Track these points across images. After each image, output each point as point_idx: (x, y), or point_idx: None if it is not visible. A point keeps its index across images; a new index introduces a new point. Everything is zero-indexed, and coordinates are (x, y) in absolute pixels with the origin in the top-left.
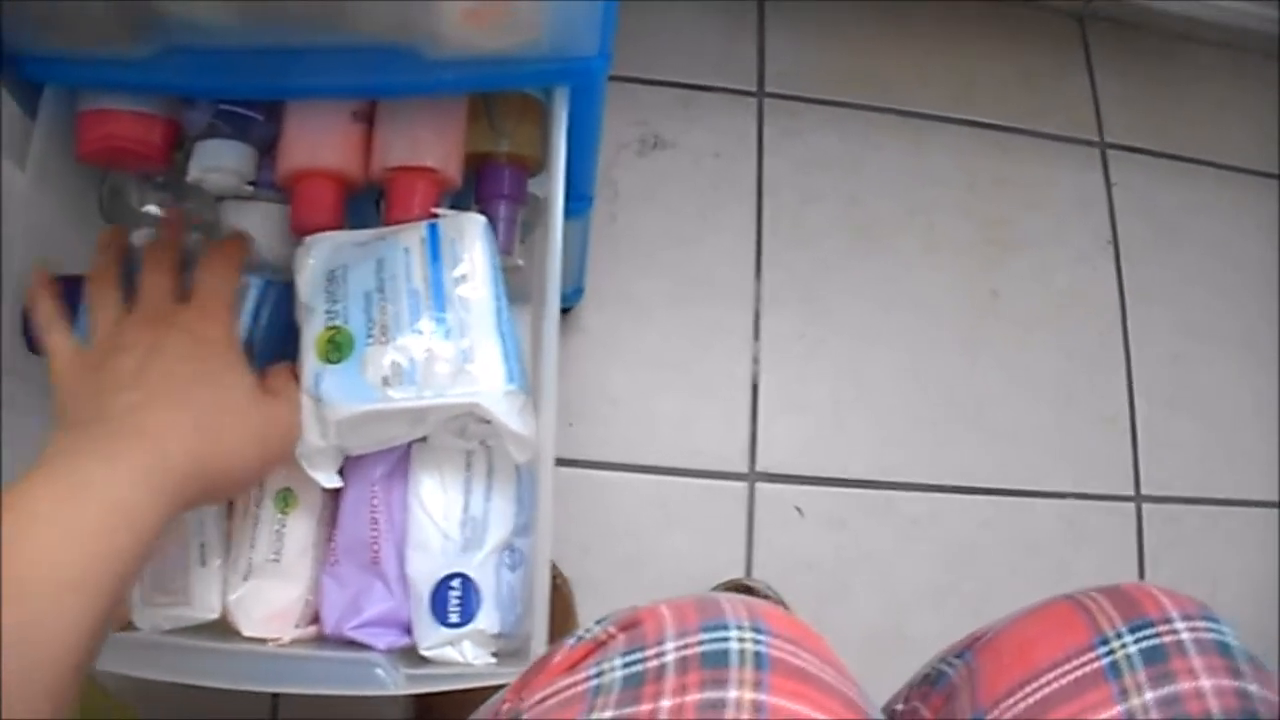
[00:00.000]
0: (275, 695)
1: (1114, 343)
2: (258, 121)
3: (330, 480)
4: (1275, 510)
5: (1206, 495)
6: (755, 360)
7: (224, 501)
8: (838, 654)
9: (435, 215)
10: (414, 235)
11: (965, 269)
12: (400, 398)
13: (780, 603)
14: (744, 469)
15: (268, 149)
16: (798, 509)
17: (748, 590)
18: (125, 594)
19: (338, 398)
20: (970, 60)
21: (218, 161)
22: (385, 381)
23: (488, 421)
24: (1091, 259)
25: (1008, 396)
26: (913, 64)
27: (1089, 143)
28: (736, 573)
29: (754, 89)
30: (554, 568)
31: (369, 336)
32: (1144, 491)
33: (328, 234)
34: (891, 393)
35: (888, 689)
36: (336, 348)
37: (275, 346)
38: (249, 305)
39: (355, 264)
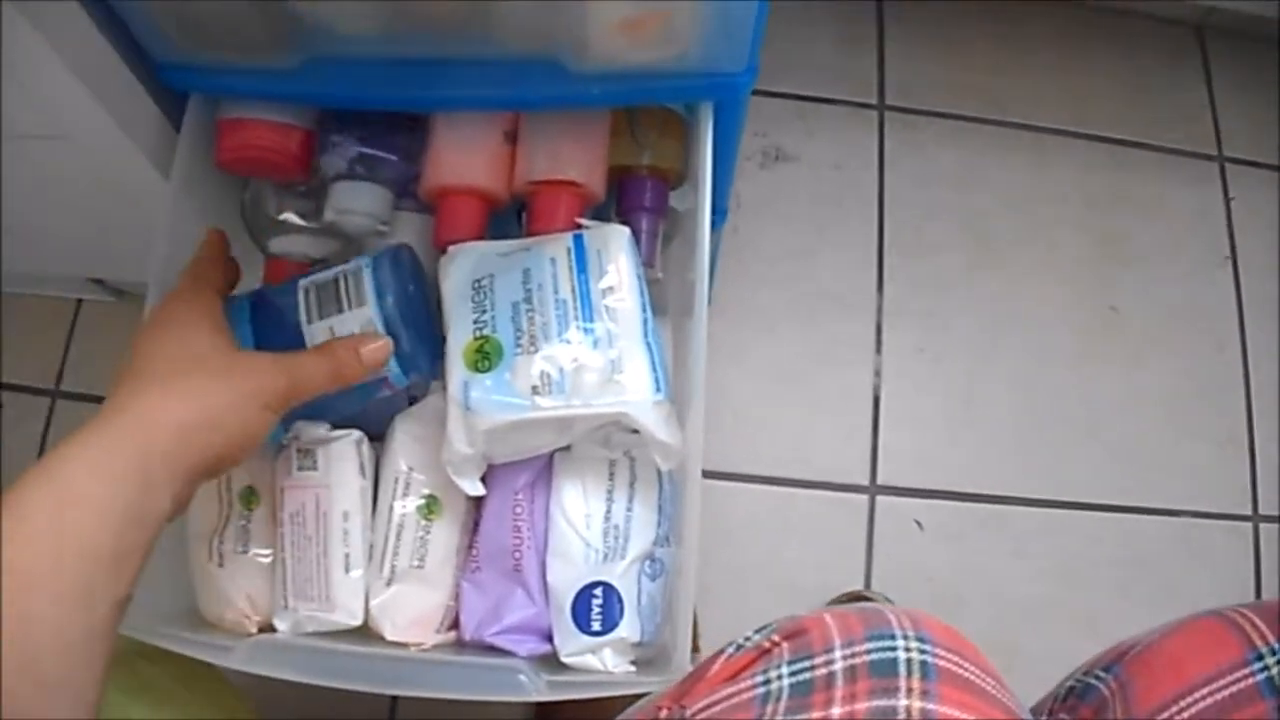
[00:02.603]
0: (394, 696)
1: (1232, 359)
2: (393, 162)
3: (475, 488)
4: None
5: None
6: (877, 373)
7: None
8: None
9: (579, 226)
10: (559, 246)
11: (1083, 284)
12: (550, 407)
13: None
14: (865, 482)
15: (404, 189)
16: (917, 522)
17: (866, 602)
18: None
19: (487, 407)
20: (1088, 73)
21: (352, 204)
22: (535, 390)
23: (635, 431)
24: (1210, 274)
25: (1124, 413)
26: (1031, 77)
27: (1207, 157)
28: (855, 584)
29: (874, 102)
30: None
31: (517, 346)
32: (1261, 511)
33: (471, 244)
34: (1009, 407)
35: None
36: (485, 357)
37: (414, 316)
38: (369, 288)
39: (501, 274)
